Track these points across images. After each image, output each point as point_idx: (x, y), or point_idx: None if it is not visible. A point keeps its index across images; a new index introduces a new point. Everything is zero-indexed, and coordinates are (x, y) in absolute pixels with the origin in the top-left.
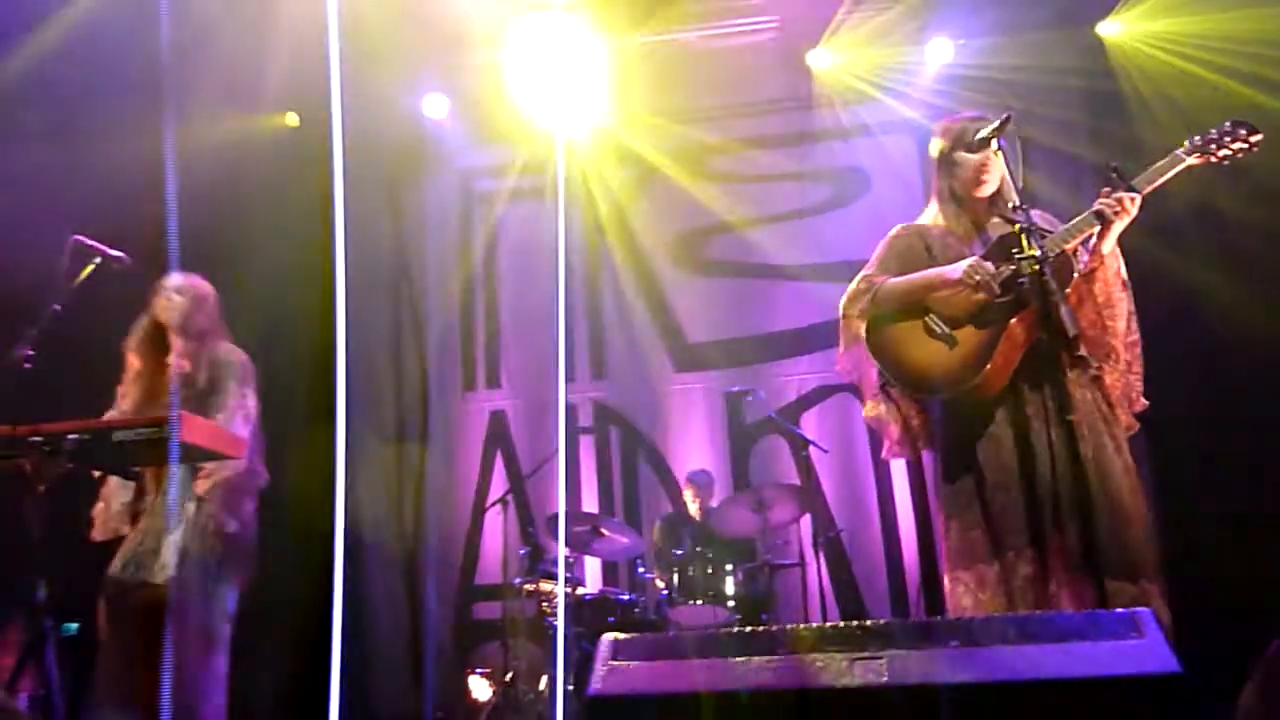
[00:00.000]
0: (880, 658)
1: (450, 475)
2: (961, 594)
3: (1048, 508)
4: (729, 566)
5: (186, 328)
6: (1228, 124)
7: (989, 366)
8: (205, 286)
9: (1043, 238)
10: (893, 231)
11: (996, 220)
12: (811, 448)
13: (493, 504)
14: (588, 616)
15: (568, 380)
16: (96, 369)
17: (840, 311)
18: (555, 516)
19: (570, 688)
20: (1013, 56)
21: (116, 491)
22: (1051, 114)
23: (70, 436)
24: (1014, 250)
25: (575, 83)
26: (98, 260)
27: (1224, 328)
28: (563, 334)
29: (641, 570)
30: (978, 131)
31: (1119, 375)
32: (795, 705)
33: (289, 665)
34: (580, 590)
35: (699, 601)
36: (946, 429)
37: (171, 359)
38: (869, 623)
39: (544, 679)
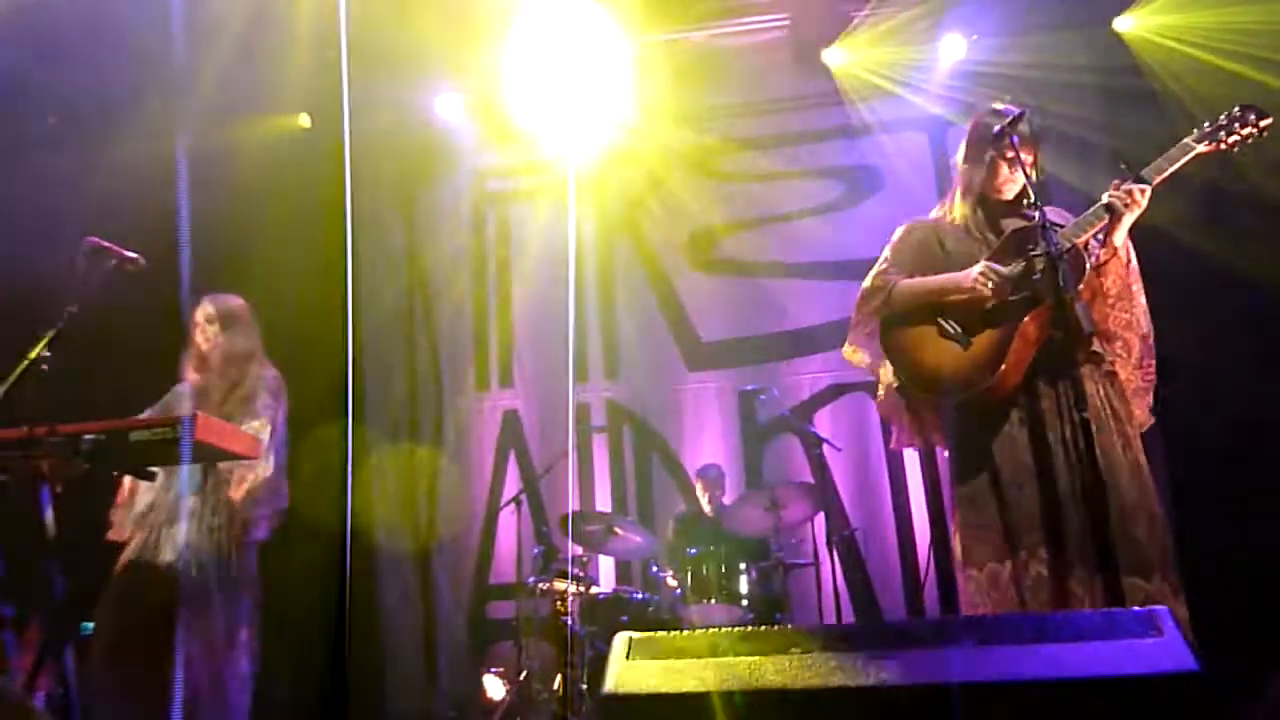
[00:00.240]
0: (895, 657)
1: (464, 475)
2: (974, 592)
3: (1064, 505)
4: (743, 565)
5: (227, 355)
6: (1237, 109)
7: (1003, 366)
8: (236, 306)
9: (1056, 233)
10: (906, 226)
11: (1011, 210)
12: (825, 446)
13: (506, 503)
14: (601, 615)
15: (580, 380)
16: (112, 370)
17: (855, 308)
18: (568, 516)
19: (584, 687)
20: (1026, 53)
21: (142, 493)
22: (1065, 110)
23: (87, 437)
24: (1028, 246)
25: (587, 82)
26: (113, 262)
27: (1244, 321)
28: (573, 333)
29: (655, 569)
30: (997, 127)
31: (1131, 369)
32: (809, 704)
33: (304, 665)
34: (594, 589)
35: (713, 600)
36: (961, 427)
37: (215, 383)
38: (883, 622)
39: (558, 678)
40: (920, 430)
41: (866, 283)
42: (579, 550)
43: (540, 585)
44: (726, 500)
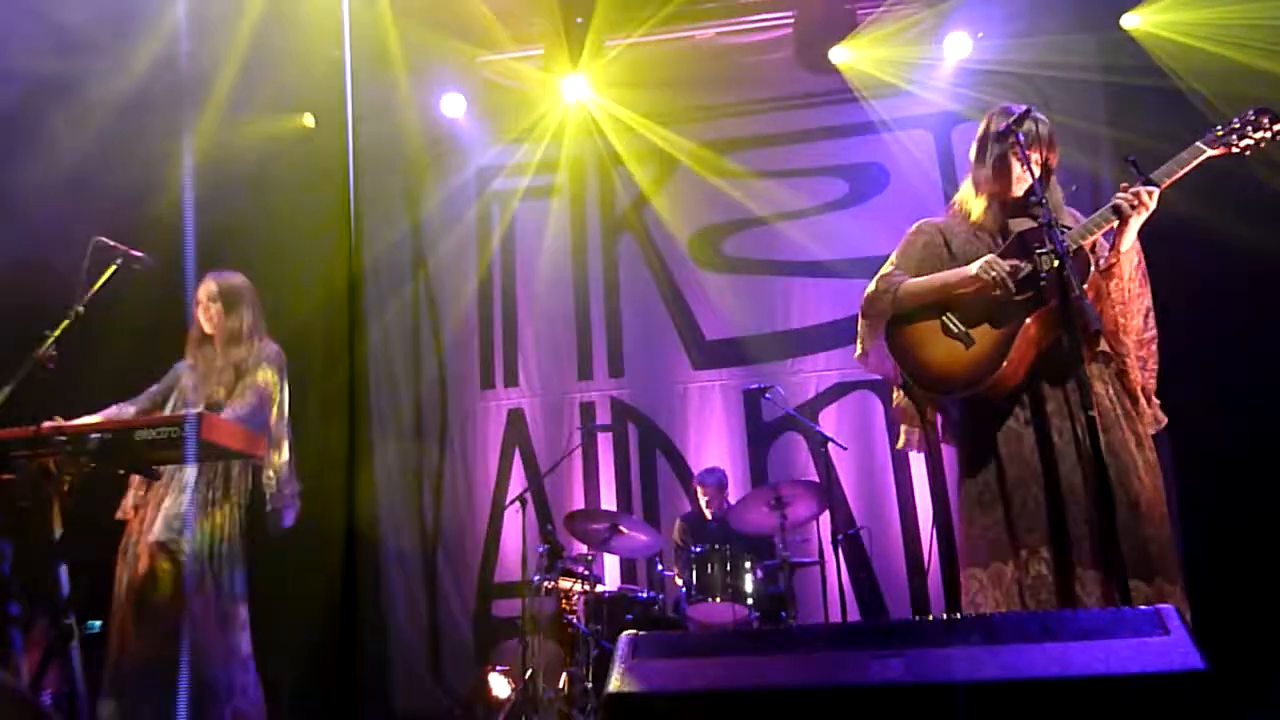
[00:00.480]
0: (900, 656)
1: (468, 474)
2: (975, 591)
3: (1069, 504)
4: (748, 564)
5: (228, 333)
6: (1250, 112)
7: (1004, 364)
8: (238, 283)
9: (1063, 233)
10: (912, 229)
11: (1022, 218)
12: (830, 445)
13: (511, 502)
14: (606, 614)
15: (585, 378)
16: (119, 368)
17: (860, 310)
18: (573, 514)
19: (589, 685)
20: (1031, 52)
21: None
22: (1071, 109)
23: (93, 435)
24: (1035, 246)
25: (592, 81)
26: (120, 260)
27: (1249, 323)
28: (577, 332)
29: (660, 568)
30: (1004, 125)
31: (1139, 370)
32: (814, 704)
33: (311, 663)
34: (599, 588)
35: (718, 599)
36: (967, 426)
37: (218, 361)
38: (889, 620)
39: (563, 677)
40: (928, 434)
41: (871, 287)
42: (584, 549)
43: (545, 584)
44: (731, 501)
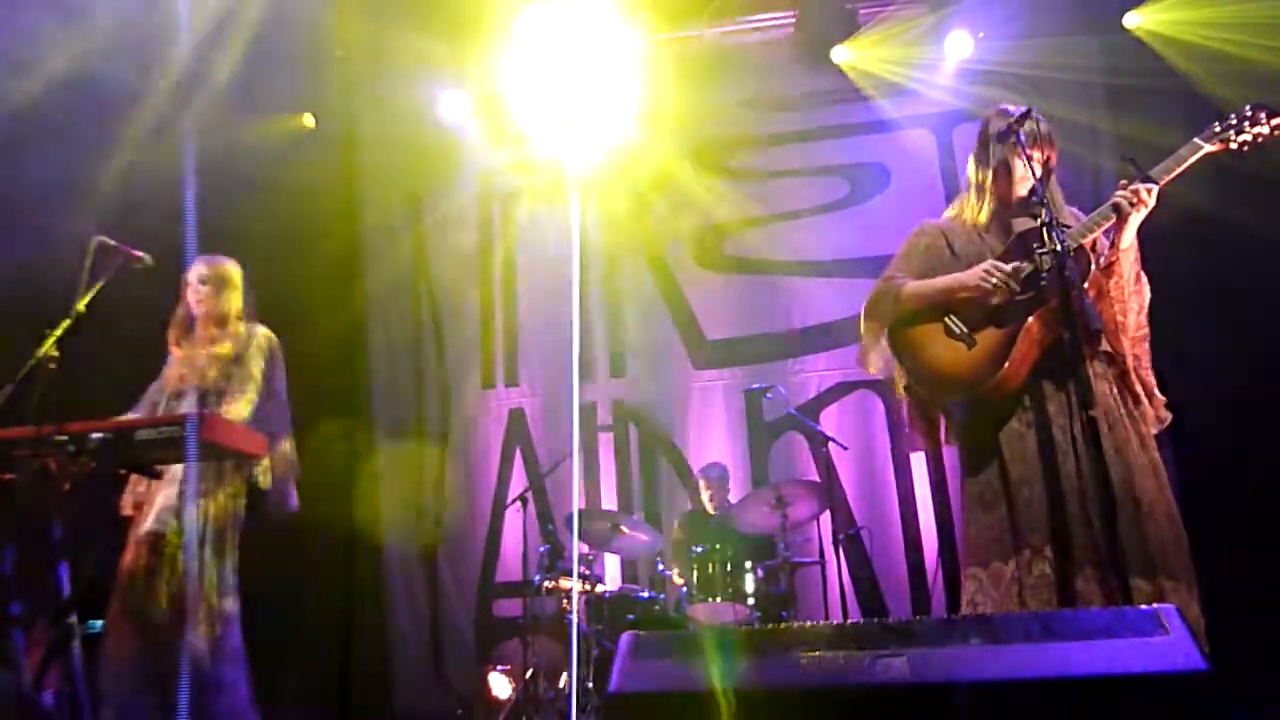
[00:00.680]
0: (901, 656)
1: (469, 473)
2: (975, 591)
3: (1071, 504)
4: (748, 564)
5: (214, 315)
6: (1247, 108)
7: (1006, 364)
8: (229, 267)
9: (1063, 232)
10: (914, 231)
11: (1021, 209)
12: (831, 444)
13: (512, 502)
14: (607, 614)
15: (586, 378)
16: (121, 368)
17: (862, 314)
18: (574, 514)
19: (590, 685)
20: (1032, 52)
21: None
22: (1071, 108)
23: (94, 436)
24: (1035, 245)
25: (593, 80)
26: (121, 260)
27: (1252, 320)
28: (579, 332)
29: (661, 567)
30: (1004, 125)
31: (1142, 369)
32: (815, 703)
33: (312, 663)
34: (600, 587)
35: (718, 599)
36: (969, 426)
37: (203, 348)
38: (890, 620)
39: (564, 676)
40: (932, 435)
41: (873, 290)
42: (585, 549)
43: (546, 584)
44: (732, 499)
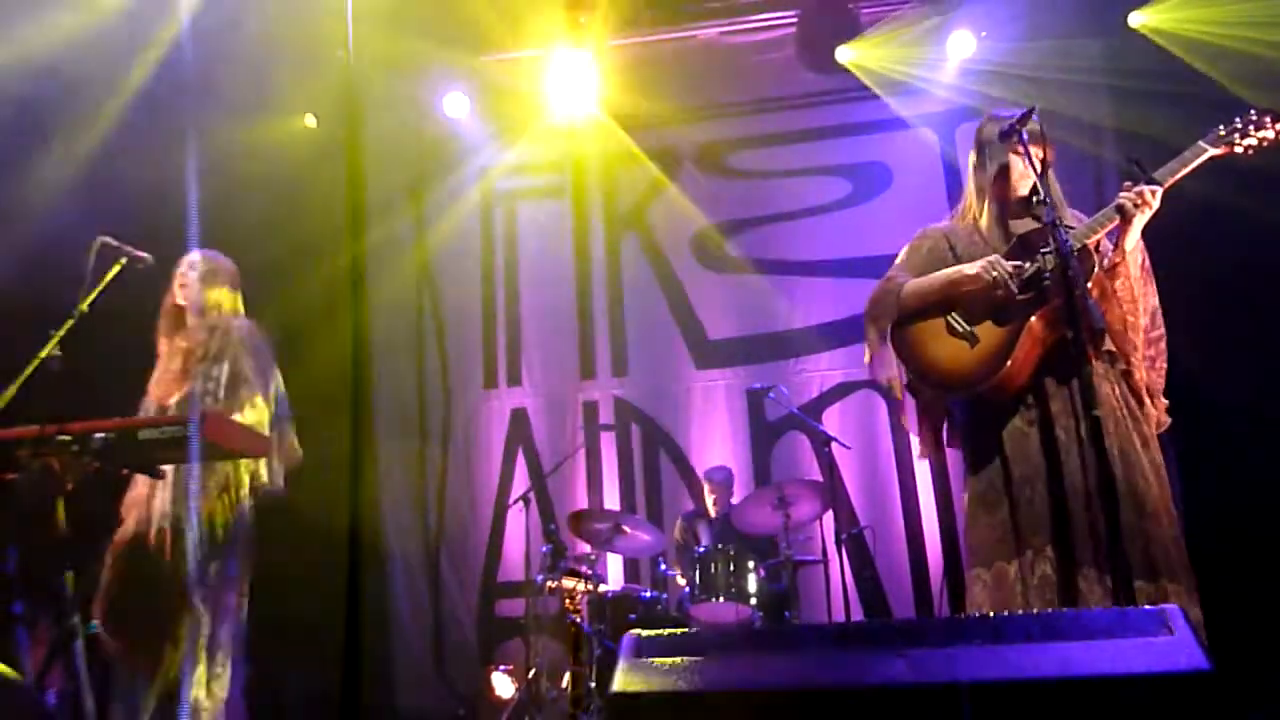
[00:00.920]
0: (904, 655)
1: (471, 473)
2: (979, 591)
3: (1073, 504)
4: (751, 563)
5: (203, 306)
6: (1253, 112)
7: (1008, 363)
8: (221, 261)
9: (1066, 233)
10: (917, 235)
11: (1022, 209)
12: (834, 444)
13: (514, 501)
14: (609, 613)
15: (588, 378)
16: (123, 368)
17: (865, 315)
18: (576, 514)
19: (593, 685)
20: (1035, 52)
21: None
22: (1074, 109)
23: (97, 435)
24: (1038, 246)
25: (595, 80)
26: (124, 260)
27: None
28: (580, 331)
29: (663, 567)
30: (1005, 126)
31: (1145, 370)
32: (818, 703)
33: (313, 663)
34: (602, 587)
35: (721, 599)
36: (972, 426)
37: (184, 337)
38: (892, 620)
39: (566, 676)
40: (936, 440)
41: (875, 290)
42: (587, 548)
43: (548, 583)
44: (735, 501)
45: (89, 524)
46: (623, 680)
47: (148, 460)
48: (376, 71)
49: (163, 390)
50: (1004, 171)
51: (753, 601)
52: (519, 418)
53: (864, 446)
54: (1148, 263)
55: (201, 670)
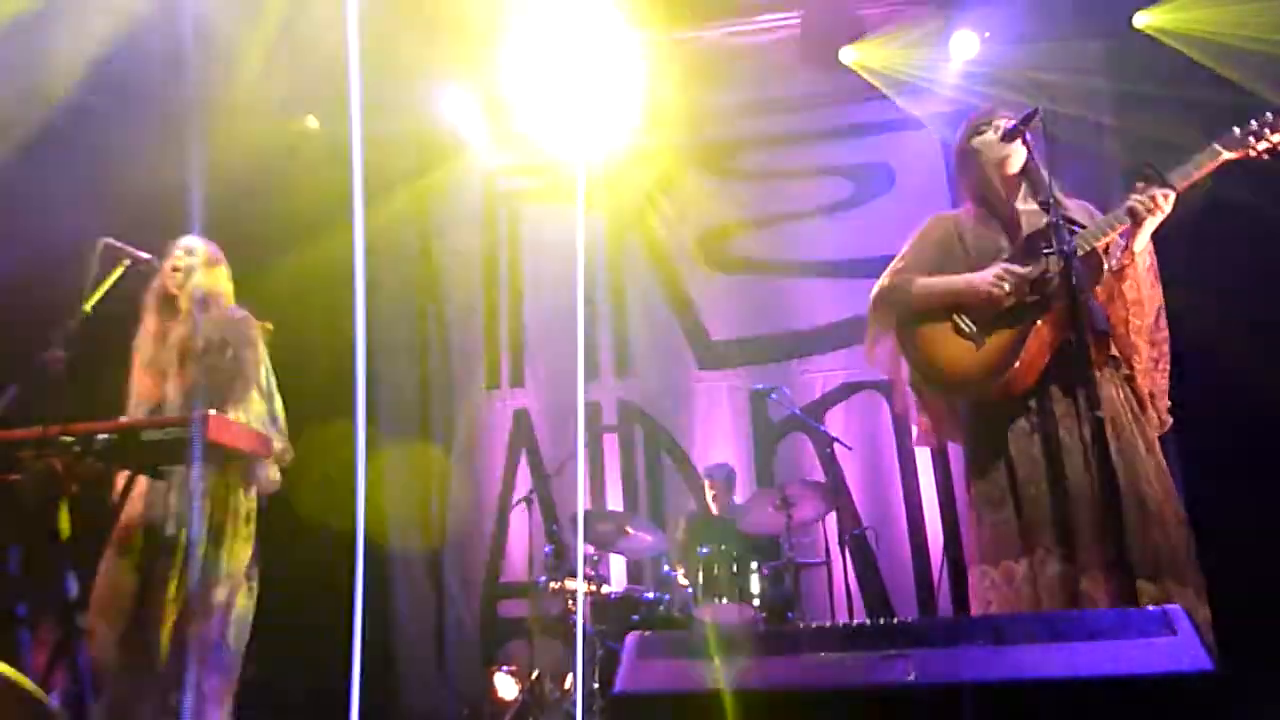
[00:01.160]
0: (907, 656)
1: (474, 474)
2: (988, 589)
3: (1076, 505)
4: (754, 564)
5: (202, 294)
6: (1268, 114)
7: (1015, 366)
8: (216, 251)
9: (1072, 233)
10: (927, 222)
11: (1027, 209)
12: (836, 445)
13: (517, 502)
14: (612, 614)
15: (591, 379)
16: (126, 370)
17: (870, 304)
18: (579, 515)
19: (596, 686)
20: (1038, 53)
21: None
22: (1077, 108)
23: (100, 436)
24: (1043, 246)
25: (597, 80)
26: (127, 262)
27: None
28: (583, 332)
29: (666, 568)
30: (1004, 124)
31: (1149, 373)
32: (821, 704)
33: (316, 664)
34: (605, 588)
35: (724, 600)
36: (976, 424)
37: (180, 323)
38: (895, 621)
39: (569, 677)
40: (937, 431)
41: (883, 281)
42: (590, 549)
43: (551, 584)
44: (738, 499)
45: (92, 525)
46: (626, 681)
47: (150, 461)
48: (378, 72)
49: (155, 379)
50: (1000, 160)
51: (756, 603)
52: (522, 419)
53: (866, 447)
54: (1155, 264)
55: (200, 672)
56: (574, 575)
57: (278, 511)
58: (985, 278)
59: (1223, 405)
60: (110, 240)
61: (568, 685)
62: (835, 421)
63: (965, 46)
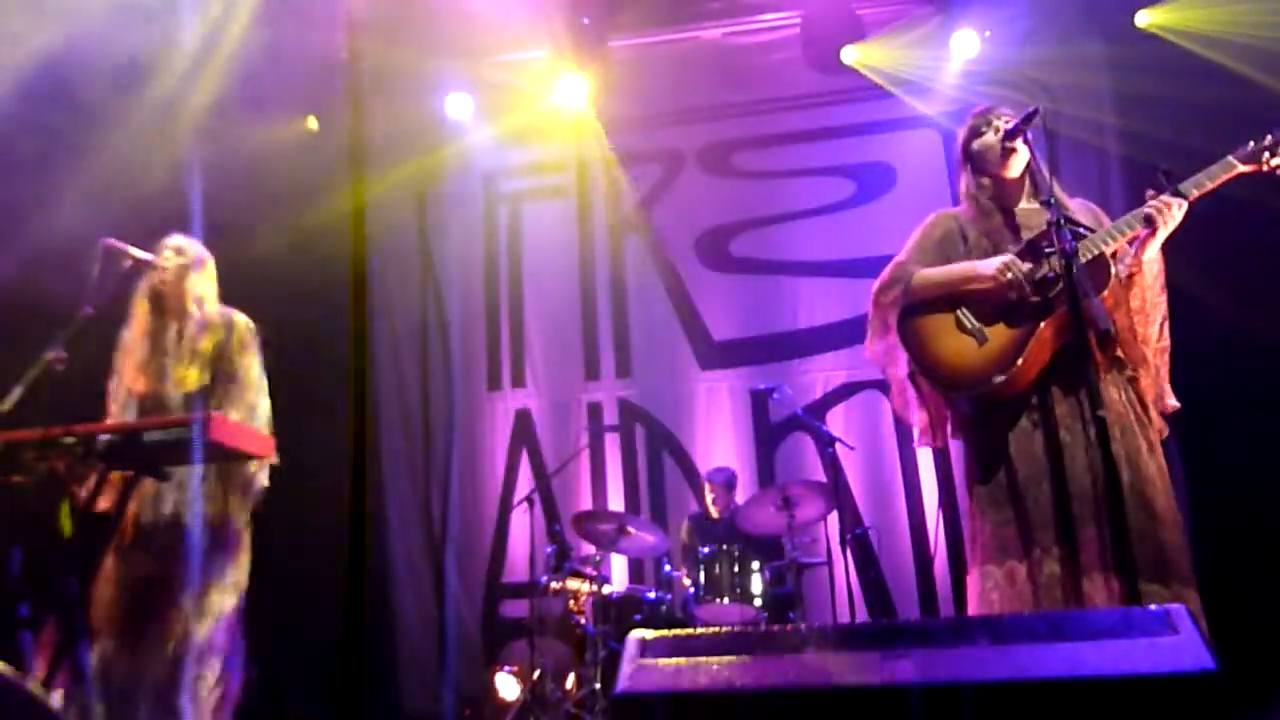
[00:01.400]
0: (909, 656)
1: (476, 474)
2: (990, 589)
3: (1078, 506)
4: (756, 564)
5: (186, 289)
6: None
7: (1016, 366)
8: (203, 250)
9: (1074, 234)
10: (930, 219)
11: (1030, 209)
12: (838, 445)
13: (519, 502)
14: (614, 614)
15: (592, 379)
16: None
17: (871, 298)
18: (581, 515)
19: (597, 686)
20: (1039, 52)
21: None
22: (1079, 108)
23: (102, 437)
24: (1045, 246)
25: (598, 81)
26: (128, 263)
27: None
28: (584, 332)
29: (668, 568)
30: (1004, 124)
31: (1149, 379)
32: (823, 704)
33: (318, 664)
34: (606, 588)
35: (726, 600)
36: (977, 423)
37: (173, 323)
38: (897, 621)
39: (571, 677)
40: (937, 429)
41: (884, 274)
42: (591, 549)
43: (553, 584)
44: (739, 500)
45: (93, 525)
46: (627, 681)
47: (152, 462)
48: (379, 73)
49: (149, 379)
50: (1001, 159)
51: (757, 603)
52: (523, 419)
53: (868, 447)
54: (1163, 274)
55: (198, 673)
56: (576, 575)
57: (278, 512)
58: (990, 265)
59: (1223, 406)
60: (111, 241)
61: (569, 685)
62: (836, 421)
63: (966, 46)
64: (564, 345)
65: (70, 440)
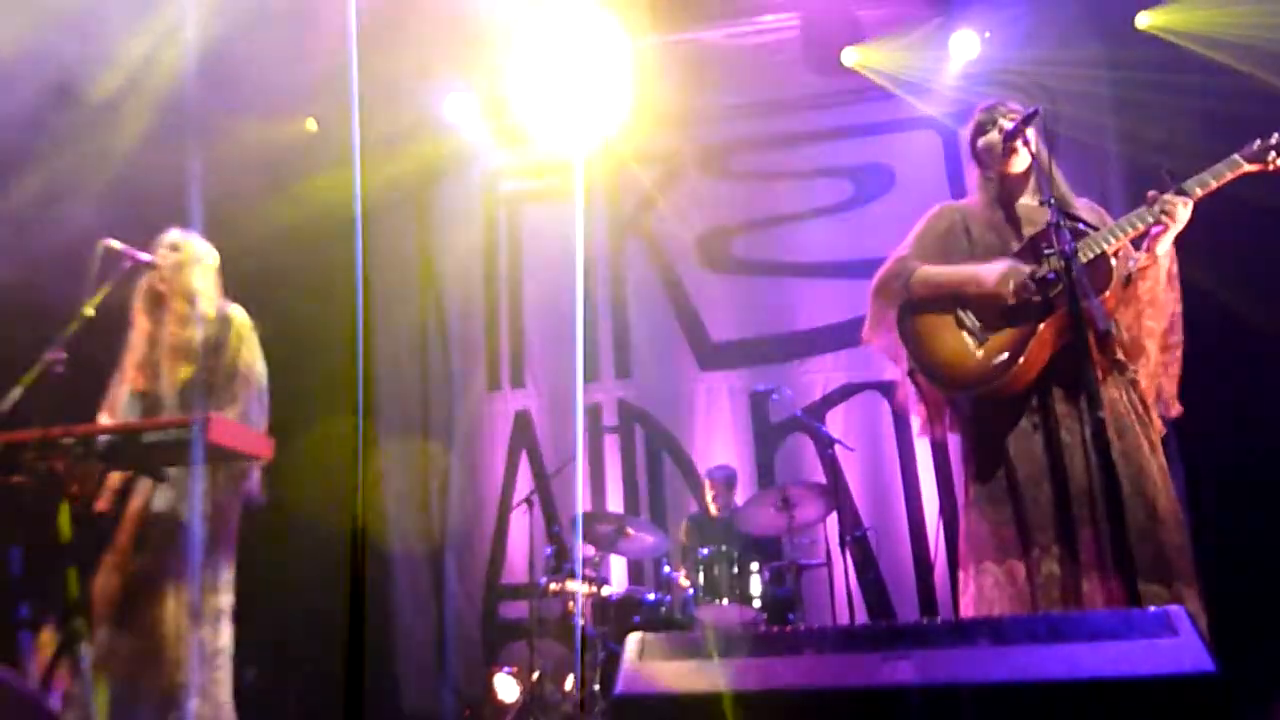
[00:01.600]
0: (908, 657)
1: (475, 475)
2: (990, 587)
3: (1077, 505)
4: (755, 566)
5: (182, 285)
6: None
7: (1016, 365)
8: (203, 244)
9: (1075, 233)
10: (933, 212)
11: (1032, 207)
12: (837, 446)
13: (518, 503)
14: (613, 616)
15: (592, 379)
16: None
17: (871, 290)
18: (580, 516)
19: (597, 687)
20: (1039, 53)
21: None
22: (1078, 109)
23: (101, 438)
24: (1045, 247)
25: (598, 82)
26: (127, 264)
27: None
28: (583, 333)
29: (667, 569)
30: (1008, 120)
31: (1153, 377)
32: (822, 705)
33: (317, 666)
34: (606, 589)
35: (725, 601)
36: (977, 421)
37: (171, 321)
38: (897, 622)
39: (570, 678)
40: (937, 422)
41: (885, 267)
42: (591, 550)
43: (552, 585)
44: (739, 501)
45: (93, 526)
46: (627, 683)
47: (151, 462)
48: (379, 74)
49: (148, 378)
50: (1004, 155)
51: (757, 604)
52: (522, 420)
53: (867, 448)
54: (1175, 269)
55: (200, 675)
56: (574, 576)
57: (278, 512)
58: (993, 271)
59: (1224, 407)
60: (110, 242)
61: (568, 686)
62: (836, 422)
63: (965, 47)
64: (563, 346)
65: (70, 440)
